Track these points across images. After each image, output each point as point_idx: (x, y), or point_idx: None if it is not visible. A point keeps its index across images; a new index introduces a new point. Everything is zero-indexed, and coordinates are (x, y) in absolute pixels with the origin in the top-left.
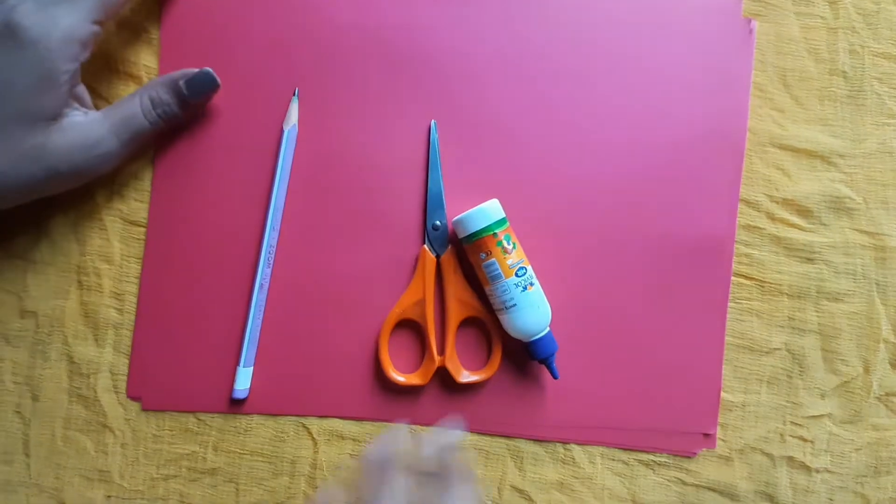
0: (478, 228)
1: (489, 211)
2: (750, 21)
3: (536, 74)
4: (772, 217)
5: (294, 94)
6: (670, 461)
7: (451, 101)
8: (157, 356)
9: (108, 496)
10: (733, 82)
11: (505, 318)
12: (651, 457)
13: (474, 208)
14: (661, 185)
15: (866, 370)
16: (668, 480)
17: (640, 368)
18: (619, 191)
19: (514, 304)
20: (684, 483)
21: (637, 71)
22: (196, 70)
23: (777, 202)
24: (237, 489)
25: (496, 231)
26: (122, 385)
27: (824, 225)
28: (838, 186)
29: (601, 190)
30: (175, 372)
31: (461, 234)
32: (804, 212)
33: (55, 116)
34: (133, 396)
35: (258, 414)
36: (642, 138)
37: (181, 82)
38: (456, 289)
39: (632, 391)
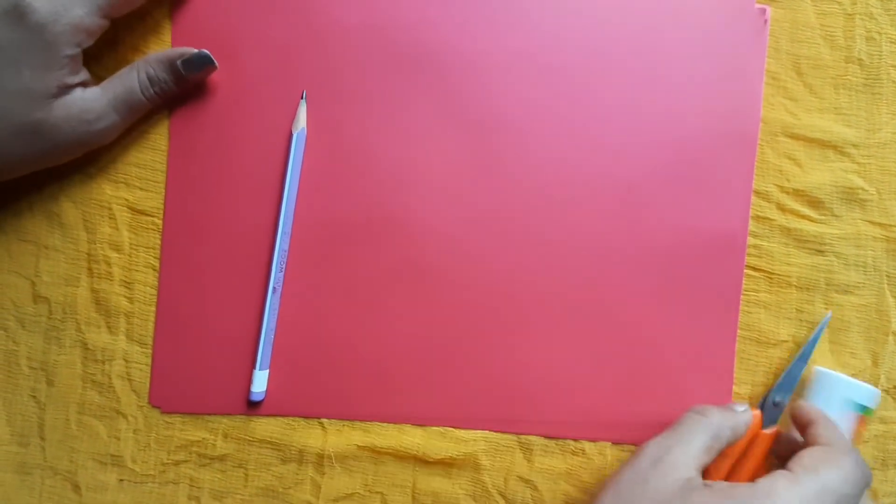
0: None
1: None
2: (765, 10)
3: (547, 72)
4: (782, 208)
5: (302, 97)
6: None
7: (458, 99)
8: (175, 363)
9: (121, 480)
10: (746, 73)
11: None
12: None
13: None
14: (673, 179)
15: (874, 363)
16: None
17: (651, 364)
18: (631, 185)
19: None
20: None
21: (648, 63)
22: (193, 51)
23: (788, 193)
24: (246, 475)
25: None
26: (136, 373)
27: (836, 216)
28: (851, 177)
29: (611, 184)
30: (192, 377)
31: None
32: (815, 203)
33: (56, 94)
34: (156, 405)
35: (275, 416)
36: (653, 132)
37: (178, 62)
38: (758, 470)
39: (644, 386)
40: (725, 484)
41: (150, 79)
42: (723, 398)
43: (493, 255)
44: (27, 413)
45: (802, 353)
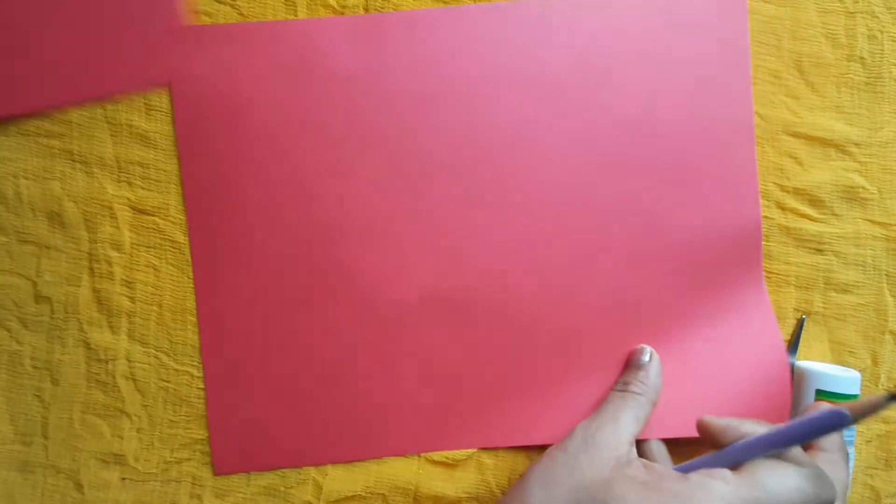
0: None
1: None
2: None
3: (544, 91)
4: (781, 207)
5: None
6: (684, 452)
7: (460, 123)
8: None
9: (123, 478)
10: (733, 62)
11: None
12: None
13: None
14: (677, 184)
15: (874, 362)
16: None
17: (683, 372)
18: (636, 196)
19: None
20: None
21: (639, 69)
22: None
23: (788, 191)
24: (248, 474)
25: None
26: (139, 372)
27: (836, 215)
28: (852, 176)
29: (617, 197)
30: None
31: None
32: (815, 201)
33: None
34: (221, 472)
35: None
36: (653, 138)
37: None
38: None
39: (672, 390)
40: (659, 469)
41: None
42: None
43: (503, 271)
44: (31, 412)
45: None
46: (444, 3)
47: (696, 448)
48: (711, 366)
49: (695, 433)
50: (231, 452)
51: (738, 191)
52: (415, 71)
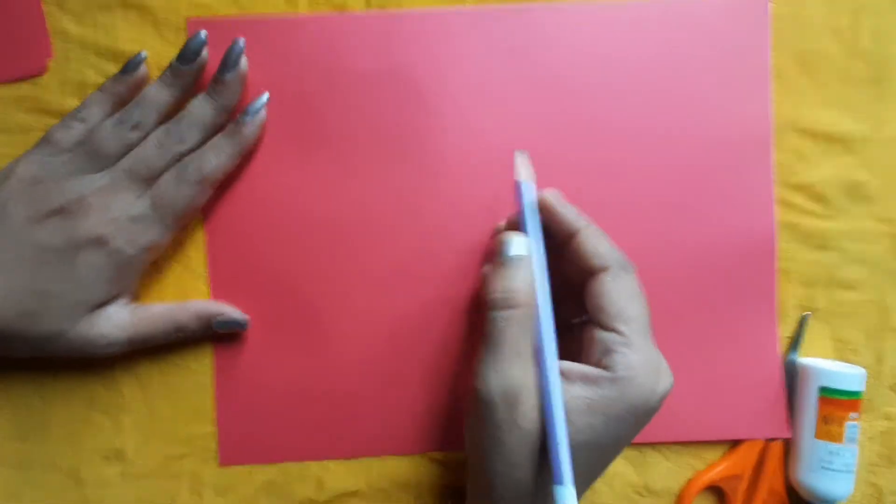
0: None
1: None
2: (766, 3)
3: (559, 96)
4: (786, 203)
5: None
6: (683, 448)
7: (472, 128)
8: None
9: (123, 474)
10: (752, 72)
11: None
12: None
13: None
14: (691, 190)
15: (878, 359)
16: (681, 467)
17: (698, 381)
18: (653, 202)
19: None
20: (697, 470)
21: (656, 76)
22: (233, 316)
23: (792, 188)
24: (249, 469)
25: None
26: (139, 368)
27: (840, 212)
28: (857, 172)
29: (635, 202)
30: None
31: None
32: (820, 198)
33: (97, 307)
34: (226, 463)
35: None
36: (669, 145)
37: (214, 321)
38: (773, 481)
39: (683, 393)
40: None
41: (179, 328)
42: (777, 407)
43: None
44: (31, 408)
45: (789, 362)
46: (450, 0)
47: (695, 452)
48: (710, 373)
49: (693, 437)
50: (236, 444)
51: (753, 197)
52: (430, 69)
